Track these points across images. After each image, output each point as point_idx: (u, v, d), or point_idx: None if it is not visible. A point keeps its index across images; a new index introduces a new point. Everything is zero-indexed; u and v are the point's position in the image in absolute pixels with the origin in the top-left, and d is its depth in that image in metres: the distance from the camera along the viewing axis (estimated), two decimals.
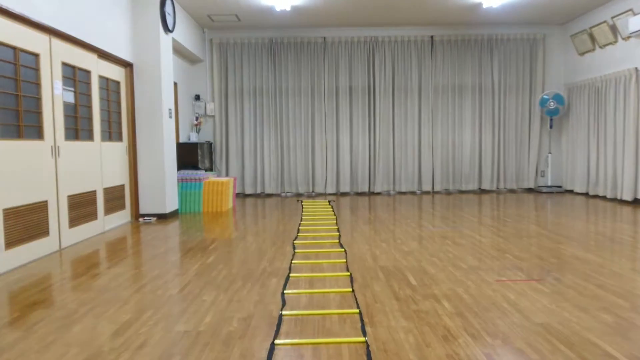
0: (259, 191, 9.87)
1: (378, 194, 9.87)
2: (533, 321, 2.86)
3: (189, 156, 8.53)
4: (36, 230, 4.65)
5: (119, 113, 6.61)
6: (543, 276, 3.79)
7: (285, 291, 3.48)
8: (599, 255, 4.42)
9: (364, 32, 9.71)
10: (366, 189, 9.87)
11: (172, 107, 7.32)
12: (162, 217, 6.96)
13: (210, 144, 9.57)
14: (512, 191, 9.95)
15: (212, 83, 9.82)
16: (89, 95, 5.76)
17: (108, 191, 6.19)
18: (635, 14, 7.47)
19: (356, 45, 9.73)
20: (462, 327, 2.79)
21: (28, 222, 4.52)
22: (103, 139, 6.10)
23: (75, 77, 5.43)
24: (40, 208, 4.72)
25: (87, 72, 5.73)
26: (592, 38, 8.77)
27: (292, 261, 4.39)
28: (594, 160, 8.78)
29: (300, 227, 6.14)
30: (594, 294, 3.34)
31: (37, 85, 4.70)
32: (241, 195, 9.88)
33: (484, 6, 8.34)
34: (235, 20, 9.02)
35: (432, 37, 9.76)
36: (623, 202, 7.94)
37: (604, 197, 8.51)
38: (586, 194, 9.07)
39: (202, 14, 8.60)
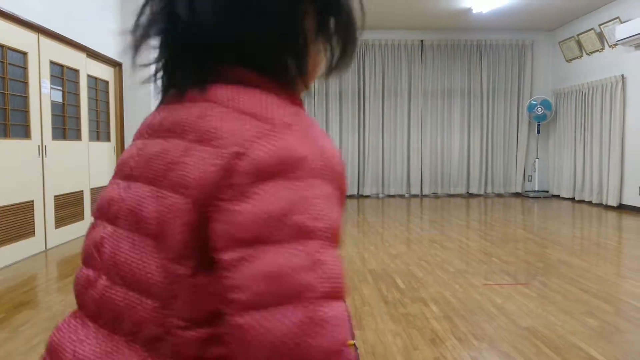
0: None
1: (367, 197, 9.89)
2: (519, 325, 2.89)
3: None
4: (22, 230, 4.60)
5: (108, 113, 6.57)
6: (529, 280, 3.83)
7: None
8: (584, 260, 4.48)
9: None
10: (355, 192, 9.89)
11: None
12: None
13: None
14: (499, 195, 10.03)
15: None
16: (77, 95, 5.71)
17: (95, 191, 6.14)
18: (622, 22, 7.58)
19: None
20: (449, 330, 2.81)
21: (13, 222, 4.47)
22: (91, 138, 6.06)
23: (63, 76, 5.39)
24: (26, 208, 4.67)
25: (76, 71, 5.68)
26: (580, 45, 8.88)
27: None
28: (580, 166, 8.89)
29: None
30: (579, 298, 3.38)
31: (25, 83, 4.65)
32: None
33: (474, 11, 8.41)
34: None
35: (422, 41, 9.81)
36: (608, 207, 8.04)
37: (589, 203, 8.61)
38: (572, 199, 9.17)
39: None
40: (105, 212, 0.64)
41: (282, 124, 0.55)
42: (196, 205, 0.54)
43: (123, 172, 0.65)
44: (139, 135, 0.67)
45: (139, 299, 0.57)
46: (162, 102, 0.68)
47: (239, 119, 0.56)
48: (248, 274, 0.50)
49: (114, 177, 0.67)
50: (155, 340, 0.57)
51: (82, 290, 0.64)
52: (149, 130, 0.65)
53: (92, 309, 0.62)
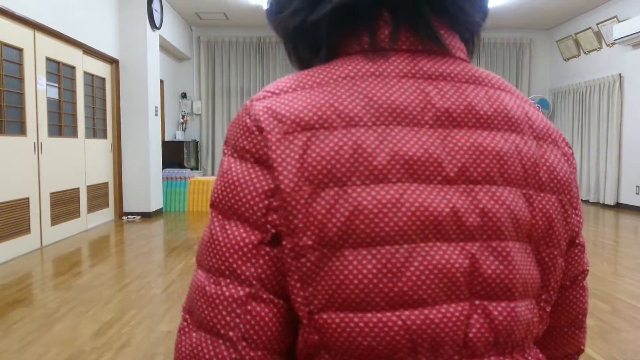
0: None
1: None
2: None
3: (175, 155, 8.47)
4: (17, 227, 4.58)
5: (104, 110, 6.54)
6: None
7: None
8: None
9: None
10: None
11: (158, 104, 7.26)
12: (146, 216, 6.90)
13: (196, 143, 9.51)
14: None
15: (199, 81, 9.76)
16: (73, 92, 5.69)
17: (91, 189, 6.12)
18: (619, 21, 7.58)
19: None
20: None
21: (8, 219, 4.44)
22: (87, 135, 6.03)
23: (59, 72, 5.36)
24: (22, 205, 4.65)
25: (72, 68, 5.66)
26: (578, 44, 8.89)
27: None
28: (578, 165, 8.89)
29: None
30: None
31: (21, 80, 4.62)
32: None
33: None
34: (223, 18, 8.98)
35: None
36: (605, 206, 8.05)
37: (586, 201, 8.62)
38: None
39: (190, 12, 8.55)
40: (447, 230, 0.47)
41: None
42: (562, 200, 0.55)
43: (432, 175, 0.48)
44: (411, 121, 0.49)
45: (531, 305, 0.52)
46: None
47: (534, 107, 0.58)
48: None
49: (405, 182, 0.47)
50: (530, 341, 0.53)
51: (442, 335, 0.47)
52: (444, 119, 0.50)
53: (479, 344, 0.48)
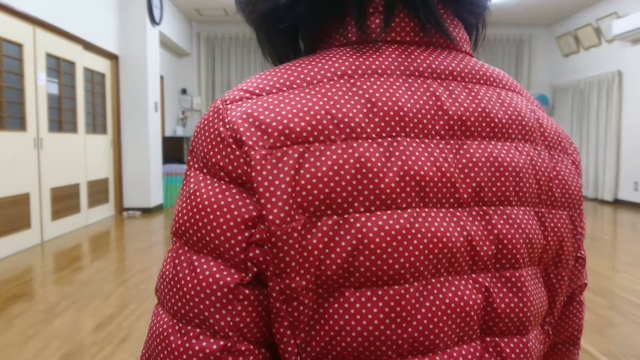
0: None
1: None
2: None
3: (175, 150, 8.48)
4: (17, 222, 4.59)
5: (104, 105, 6.55)
6: None
7: None
8: None
9: None
10: None
11: (158, 100, 7.27)
12: (146, 211, 6.92)
13: None
14: None
15: (199, 77, 9.76)
16: (73, 87, 5.69)
17: (92, 184, 6.13)
18: (619, 17, 7.58)
19: None
20: None
21: (9, 214, 4.46)
22: (87, 131, 6.04)
23: (59, 68, 5.37)
24: (22, 200, 4.66)
25: (72, 64, 5.66)
26: (577, 40, 8.88)
27: None
28: None
29: None
30: None
31: (20, 76, 4.63)
32: None
33: None
34: (223, 14, 8.97)
35: None
36: (604, 202, 8.07)
37: (585, 197, 8.64)
38: None
39: (190, 8, 8.54)
40: (461, 261, 0.41)
41: None
42: (572, 216, 0.49)
43: (444, 198, 0.41)
44: (423, 132, 0.41)
45: (537, 333, 0.47)
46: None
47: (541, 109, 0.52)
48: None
49: (416, 208, 0.40)
50: None
51: None
52: (457, 128, 0.43)
53: None
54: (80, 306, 3.11)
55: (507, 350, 0.43)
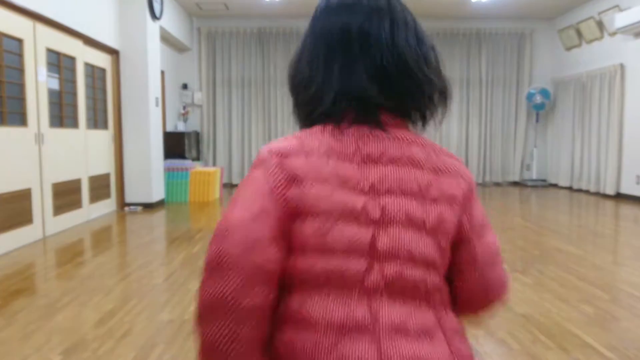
0: None
1: None
2: (515, 312, 2.90)
3: (176, 145, 8.47)
4: (19, 218, 4.60)
5: (105, 101, 6.54)
6: (526, 268, 3.84)
7: None
8: (580, 248, 4.49)
9: None
10: None
11: (159, 95, 7.25)
12: (148, 207, 6.91)
13: (197, 134, 9.51)
14: (497, 184, 10.04)
15: (199, 72, 9.74)
16: (74, 82, 5.68)
17: (93, 179, 6.13)
18: (621, 10, 7.54)
19: None
20: None
21: (11, 209, 4.46)
22: (88, 126, 6.04)
23: (60, 63, 5.36)
24: (24, 196, 4.66)
25: (72, 59, 5.65)
26: (579, 33, 8.84)
27: None
28: (578, 155, 8.88)
29: None
30: (575, 285, 3.40)
31: (21, 71, 4.62)
32: (228, 186, 9.84)
33: (473, 0, 8.35)
34: (224, 9, 8.95)
35: None
36: (606, 196, 8.05)
37: (587, 191, 8.62)
38: (570, 188, 9.18)
39: (190, 2, 8.51)
40: (359, 216, 0.81)
41: None
42: (457, 211, 0.87)
43: (354, 187, 0.82)
44: (341, 155, 0.84)
45: (427, 272, 0.83)
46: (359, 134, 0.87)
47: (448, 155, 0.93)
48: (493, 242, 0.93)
49: (336, 187, 0.81)
50: (432, 296, 0.84)
51: (358, 273, 0.80)
52: (363, 156, 0.84)
53: (380, 288, 0.80)
54: (81, 301, 3.11)
55: (388, 270, 0.80)
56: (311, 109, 0.90)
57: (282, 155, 0.83)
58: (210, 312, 0.76)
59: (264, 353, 0.80)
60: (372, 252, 0.79)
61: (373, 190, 0.81)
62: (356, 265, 0.78)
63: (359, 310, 0.78)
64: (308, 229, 0.79)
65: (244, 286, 0.74)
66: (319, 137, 0.84)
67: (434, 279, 0.84)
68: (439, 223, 0.83)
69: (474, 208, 0.90)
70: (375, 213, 0.80)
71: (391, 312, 0.79)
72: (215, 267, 0.76)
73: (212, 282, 0.76)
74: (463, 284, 0.90)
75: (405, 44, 0.87)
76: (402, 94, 0.87)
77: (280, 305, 0.81)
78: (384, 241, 0.79)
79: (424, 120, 0.93)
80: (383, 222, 0.80)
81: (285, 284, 0.80)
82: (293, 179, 0.80)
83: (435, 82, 0.91)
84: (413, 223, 0.81)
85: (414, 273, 0.81)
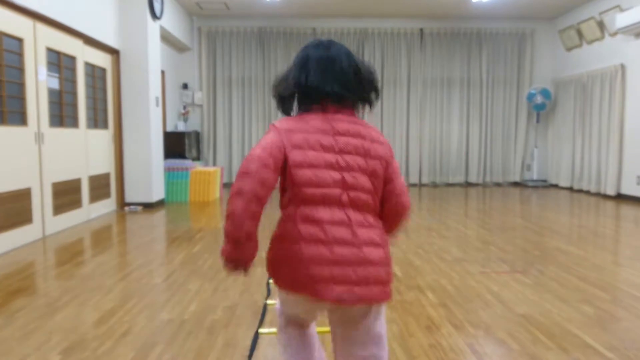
0: None
1: None
2: (515, 312, 2.89)
3: (176, 145, 8.46)
4: (19, 217, 4.60)
5: (105, 100, 6.54)
6: (526, 268, 3.83)
7: (270, 280, 3.48)
8: (581, 248, 4.48)
9: (353, 23, 9.68)
10: None
11: (159, 95, 7.25)
12: (148, 206, 6.91)
13: (197, 134, 9.50)
14: (498, 184, 10.03)
15: (200, 72, 9.73)
16: (74, 82, 5.68)
17: (93, 179, 6.13)
18: (622, 10, 7.53)
19: (345, 36, 9.70)
20: (445, 317, 2.82)
21: (11, 209, 4.46)
22: (88, 126, 6.04)
23: (60, 63, 5.36)
24: (24, 195, 4.66)
25: (73, 58, 5.65)
26: (580, 34, 8.83)
27: None
28: (579, 155, 8.87)
29: None
30: (575, 286, 3.39)
31: (21, 70, 4.62)
32: (228, 185, 9.84)
33: (474, 0, 8.35)
34: (224, 8, 8.94)
35: (421, 29, 9.76)
36: (606, 196, 8.04)
37: (587, 192, 8.62)
38: (570, 189, 9.17)
39: (190, 2, 8.51)
40: (334, 166, 1.51)
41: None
42: (384, 164, 1.58)
43: (330, 149, 1.52)
44: (323, 132, 1.54)
45: (369, 196, 1.55)
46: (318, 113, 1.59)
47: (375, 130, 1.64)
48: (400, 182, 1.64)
49: (319, 151, 1.51)
50: (374, 209, 1.57)
51: (336, 195, 1.51)
52: (335, 132, 1.54)
53: (348, 203, 1.51)
54: (81, 301, 3.11)
55: (351, 195, 1.52)
56: (299, 102, 1.61)
57: (288, 131, 1.51)
58: (236, 194, 1.42)
59: (257, 226, 1.49)
60: (343, 185, 1.50)
61: (341, 151, 1.52)
62: (335, 192, 1.49)
63: (339, 214, 1.49)
64: (308, 173, 1.47)
65: (256, 186, 1.41)
66: (308, 121, 1.54)
67: (375, 200, 1.56)
68: (374, 170, 1.55)
69: (393, 163, 1.61)
70: (343, 164, 1.51)
71: (356, 215, 1.51)
72: (242, 174, 1.43)
73: (240, 181, 1.43)
74: (387, 204, 1.60)
75: (351, 63, 1.60)
76: (352, 91, 1.59)
77: (297, 212, 1.48)
78: (348, 179, 1.51)
79: (364, 108, 1.65)
80: (347, 169, 1.51)
81: (300, 200, 1.48)
82: (295, 146, 1.49)
83: (367, 84, 1.63)
84: (362, 170, 1.53)
85: (364, 196, 1.53)
